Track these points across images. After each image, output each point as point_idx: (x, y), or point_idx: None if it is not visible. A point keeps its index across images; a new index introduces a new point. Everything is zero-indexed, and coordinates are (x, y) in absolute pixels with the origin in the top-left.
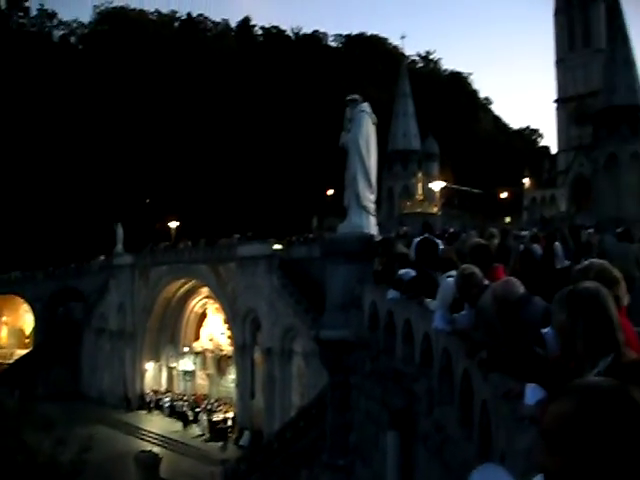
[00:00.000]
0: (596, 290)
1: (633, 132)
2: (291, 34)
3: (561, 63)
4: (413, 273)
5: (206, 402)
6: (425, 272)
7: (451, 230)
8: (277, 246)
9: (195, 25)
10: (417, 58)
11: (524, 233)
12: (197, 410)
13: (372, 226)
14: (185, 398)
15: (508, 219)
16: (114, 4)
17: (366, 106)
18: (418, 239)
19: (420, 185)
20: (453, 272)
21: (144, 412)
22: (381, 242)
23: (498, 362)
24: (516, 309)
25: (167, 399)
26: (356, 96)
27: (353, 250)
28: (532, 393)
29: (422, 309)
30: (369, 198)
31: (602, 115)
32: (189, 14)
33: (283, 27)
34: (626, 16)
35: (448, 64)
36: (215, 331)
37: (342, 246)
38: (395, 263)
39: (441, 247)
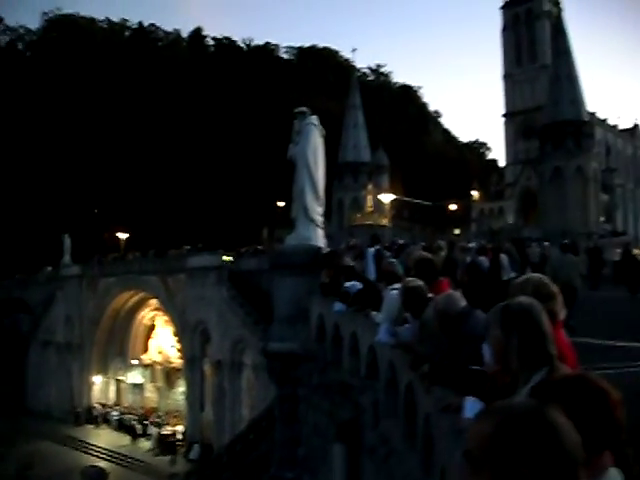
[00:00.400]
0: (530, 305)
1: (577, 146)
2: (243, 45)
3: (508, 78)
4: (359, 286)
5: (155, 415)
6: (371, 285)
7: (400, 242)
8: (227, 257)
9: (146, 34)
10: (368, 71)
11: (471, 245)
12: (146, 423)
13: (320, 238)
14: (134, 411)
15: (457, 231)
16: (63, 11)
17: (314, 119)
18: (373, 250)
19: (370, 197)
20: (398, 285)
21: (92, 426)
22: (328, 254)
23: (440, 376)
24: (457, 323)
25: (115, 412)
26: (304, 109)
27: (300, 262)
28: (471, 406)
29: (368, 322)
30: (317, 210)
31: (548, 129)
32: (140, 23)
33: (235, 38)
34: (570, 33)
35: (398, 77)
36: (164, 343)
37: (289, 258)
38: (341, 275)
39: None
